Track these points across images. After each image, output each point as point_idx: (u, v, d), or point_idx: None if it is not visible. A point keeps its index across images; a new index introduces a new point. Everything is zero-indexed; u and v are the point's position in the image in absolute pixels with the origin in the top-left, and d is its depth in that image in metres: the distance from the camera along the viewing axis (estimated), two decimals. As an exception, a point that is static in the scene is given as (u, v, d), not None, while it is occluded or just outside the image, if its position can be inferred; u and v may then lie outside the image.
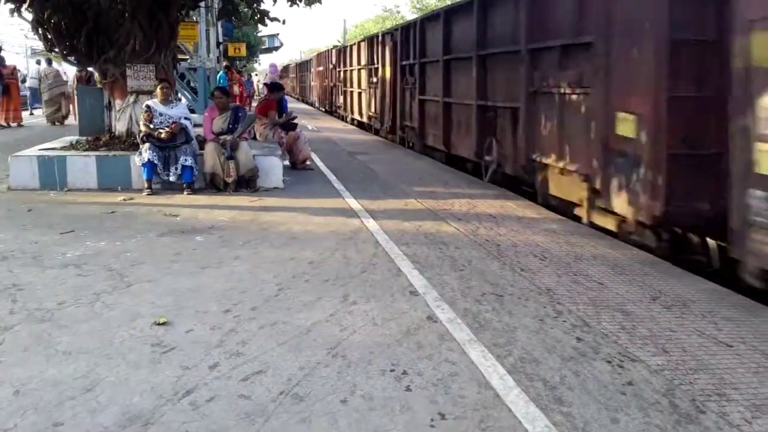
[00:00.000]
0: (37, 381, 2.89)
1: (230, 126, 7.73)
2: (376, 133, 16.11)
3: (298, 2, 9.73)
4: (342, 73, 20.63)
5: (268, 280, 4.36)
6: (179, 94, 13.67)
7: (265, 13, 9.77)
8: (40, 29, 8.61)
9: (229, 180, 7.57)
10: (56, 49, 8.83)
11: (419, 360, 3.16)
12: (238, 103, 11.77)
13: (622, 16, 5.58)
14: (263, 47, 32.95)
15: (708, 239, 5.20)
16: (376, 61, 15.60)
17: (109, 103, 9.13)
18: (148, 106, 7.59)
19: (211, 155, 7.57)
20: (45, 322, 3.58)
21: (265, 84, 15.57)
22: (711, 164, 4.94)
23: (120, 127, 8.68)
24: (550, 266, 4.80)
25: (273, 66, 22.22)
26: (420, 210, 6.82)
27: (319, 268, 4.62)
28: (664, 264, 4.99)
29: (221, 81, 16.54)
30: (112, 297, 3.99)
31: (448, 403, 2.76)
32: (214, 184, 7.63)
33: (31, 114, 20.14)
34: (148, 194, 7.30)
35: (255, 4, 9.74)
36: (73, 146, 8.44)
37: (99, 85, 9.61)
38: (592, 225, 6.15)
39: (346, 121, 20.30)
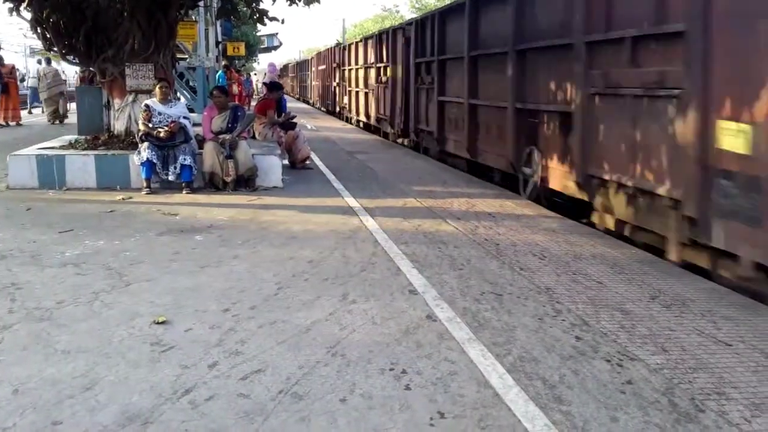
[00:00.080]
0: (36, 380, 2.88)
1: (229, 125, 7.73)
2: (385, 136, 15.26)
3: (297, 2, 9.71)
4: (347, 72, 19.69)
5: (267, 279, 4.35)
6: (178, 94, 13.65)
7: (264, 13, 9.76)
8: (38, 28, 8.61)
9: (228, 179, 7.57)
10: (55, 49, 8.83)
11: (418, 359, 3.16)
12: (237, 102, 11.76)
13: None
14: (262, 46, 32.94)
15: None
16: (385, 59, 14.66)
17: (108, 102, 9.13)
18: (147, 106, 7.58)
19: (210, 154, 7.57)
20: (44, 321, 3.58)
21: (264, 83, 15.55)
22: None
23: (119, 126, 8.68)
24: (550, 265, 4.80)
25: (272, 65, 22.18)
26: (419, 209, 6.82)
27: (318, 267, 4.62)
28: (663, 263, 4.99)
29: (220, 80, 16.53)
30: (111, 296, 3.98)
31: (447, 401, 2.76)
32: (213, 184, 7.63)
33: (30, 113, 20.13)
34: (146, 193, 7.30)
35: (254, 4, 9.74)
36: (72, 145, 8.43)
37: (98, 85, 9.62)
38: (683, 263, 4.90)
39: (351, 123, 19.57)
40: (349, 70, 19.13)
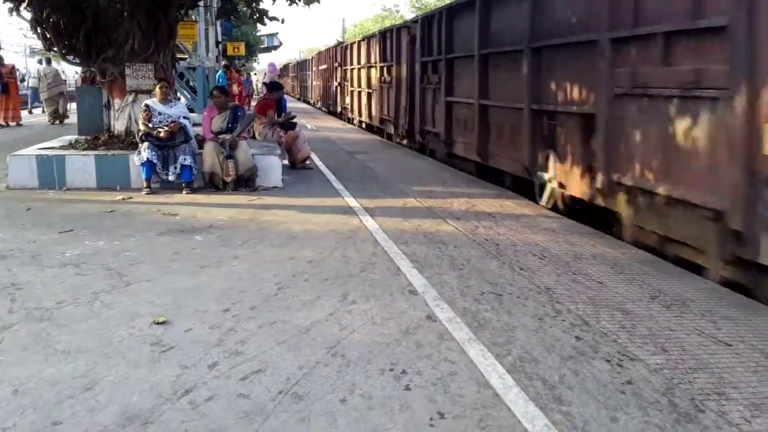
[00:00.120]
0: (36, 380, 2.88)
1: (229, 125, 7.73)
2: (389, 138, 14.83)
3: (297, 1, 9.72)
4: (349, 72, 19.27)
5: (267, 279, 4.35)
6: (178, 94, 13.66)
7: (264, 13, 9.77)
8: (38, 28, 8.62)
9: (228, 179, 7.57)
10: (55, 49, 8.84)
11: (418, 359, 3.16)
12: (237, 102, 11.76)
13: None
14: (262, 46, 32.96)
15: None
16: (389, 58, 14.22)
17: (108, 102, 9.13)
18: (147, 106, 7.58)
19: (210, 154, 7.57)
20: (44, 321, 3.58)
21: (264, 83, 15.55)
22: None
23: (119, 126, 8.68)
24: (550, 265, 4.80)
25: (272, 65, 22.18)
26: (419, 209, 6.82)
27: (318, 268, 4.62)
28: (663, 263, 4.98)
29: (220, 80, 16.54)
30: (111, 296, 3.99)
31: (447, 402, 2.75)
32: (213, 184, 7.63)
33: (31, 113, 20.14)
34: (147, 193, 7.30)
35: (254, 4, 9.75)
36: (72, 145, 8.44)
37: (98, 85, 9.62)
38: (725, 281, 4.45)
39: (354, 124, 19.23)
40: (352, 69, 18.77)
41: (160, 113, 7.50)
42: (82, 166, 7.65)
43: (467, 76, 9.46)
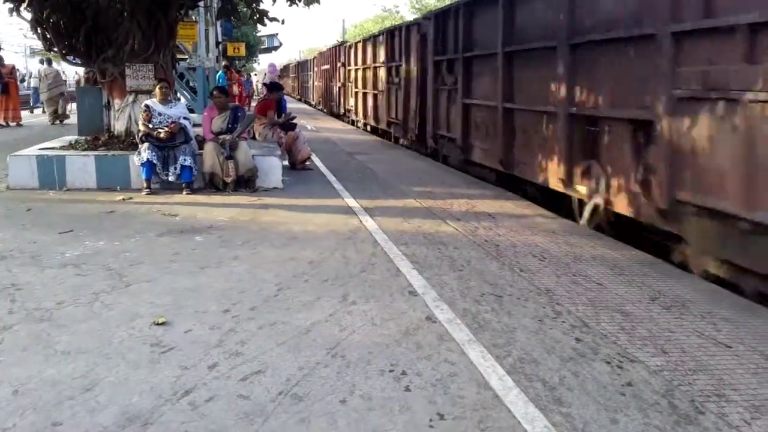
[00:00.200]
0: (36, 381, 2.88)
1: (229, 126, 7.73)
2: (396, 141, 14.18)
3: (297, 2, 9.72)
4: (353, 72, 18.46)
5: (267, 280, 4.35)
6: (178, 94, 13.67)
7: (264, 13, 9.77)
8: (38, 28, 8.62)
9: (229, 180, 7.57)
10: (55, 49, 8.84)
11: (418, 360, 3.16)
12: (237, 102, 11.77)
13: None
14: (262, 47, 32.96)
15: None
16: (398, 58, 13.43)
17: (108, 102, 9.13)
18: (147, 106, 7.58)
19: (210, 155, 7.57)
20: (44, 321, 3.58)
21: (264, 84, 15.56)
22: None
23: (119, 126, 8.68)
24: (549, 267, 4.80)
25: (272, 66, 22.24)
26: (419, 210, 6.82)
27: (318, 268, 4.62)
28: (663, 265, 4.98)
29: (220, 80, 16.54)
30: (111, 297, 3.99)
31: (447, 403, 2.76)
32: (213, 184, 7.63)
33: (32, 113, 20.14)
34: (147, 194, 7.30)
35: (254, 4, 9.75)
36: (72, 146, 8.44)
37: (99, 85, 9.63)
38: None
39: (358, 126, 18.52)
40: (356, 69, 17.98)
41: (160, 114, 7.51)
42: (82, 167, 7.65)
43: (488, 76, 8.64)
